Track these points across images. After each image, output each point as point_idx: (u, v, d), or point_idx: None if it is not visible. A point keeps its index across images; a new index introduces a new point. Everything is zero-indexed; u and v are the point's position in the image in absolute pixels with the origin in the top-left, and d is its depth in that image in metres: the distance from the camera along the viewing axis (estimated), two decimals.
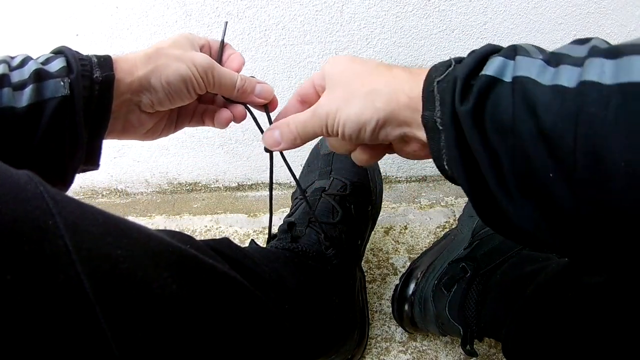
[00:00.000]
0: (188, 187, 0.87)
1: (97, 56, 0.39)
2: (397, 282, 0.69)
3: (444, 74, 0.30)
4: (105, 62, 0.39)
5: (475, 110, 0.27)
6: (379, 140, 0.36)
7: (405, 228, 0.77)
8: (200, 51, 0.45)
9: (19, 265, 0.21)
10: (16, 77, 0.35)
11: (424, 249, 0.67)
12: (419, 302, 0.58)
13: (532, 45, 0.29)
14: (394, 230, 0.76)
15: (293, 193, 0.65)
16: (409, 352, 0.62)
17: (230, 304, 0.33)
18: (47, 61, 0.38)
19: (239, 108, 0.47)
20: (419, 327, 0.59)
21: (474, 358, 0.57)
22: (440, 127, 0.30)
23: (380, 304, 0.67)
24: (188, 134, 0.80)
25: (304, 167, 0.65)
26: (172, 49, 0.42)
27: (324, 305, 0.50)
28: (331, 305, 0.51)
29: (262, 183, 0.86)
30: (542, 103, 0.25)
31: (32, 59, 0.38)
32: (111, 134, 0.42)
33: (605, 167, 0.23)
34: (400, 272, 0.70)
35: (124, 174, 0.86)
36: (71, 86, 0.36)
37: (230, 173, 0.85)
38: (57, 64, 0.37)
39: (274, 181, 0.51)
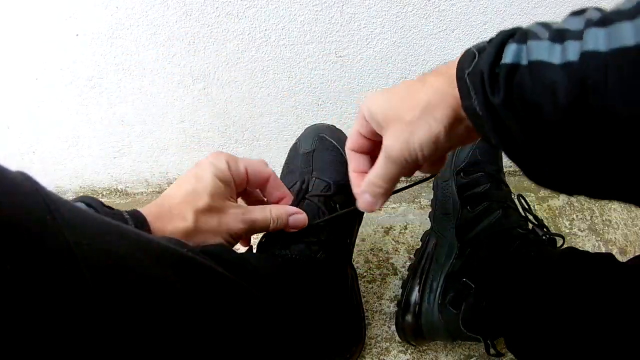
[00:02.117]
0: None
1: (132, 218, 0.37)
2: (397, 282, 0.69)
3: (472, 66, 0.33)
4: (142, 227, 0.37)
5: (506, 98, 0.30)
6: (453, 142, 0.38)
7: (405, 228, 0.77)
8: (239, 178, 0.46)
9: (20, 256, 0.20)
10: None
11: None
12: (425, 322, 0.57)
13: (537, 24, 0.33)
14: (394, 230, 0.76)
15: None
16: (409, 352, 0.62)
17: (231, 305, 0.33)
18: None
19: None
20: (425, 338, 0.59)
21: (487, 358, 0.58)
22: (480, 114, 0.32)
23: (380, 304, 0.67)
24: (188, 134, 0.80)
25: (283, 166, 0.62)
26: (209, 217, 0.41)
27: (321, 307, 0.50)
28: (327, 307, 0.51)
29: None
30: (557, 80, 0.28)
31: None
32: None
33: (617, 122, 0.27)
34: (400, 272, 0.70)
35: (124, 174, 0.86)
36: None
37: None
38: None
39: None
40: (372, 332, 0.64)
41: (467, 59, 0.35)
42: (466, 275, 0.55)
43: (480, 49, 0.34)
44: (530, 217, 0.59)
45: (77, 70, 0.71)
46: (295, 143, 0.62)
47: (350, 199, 0.60)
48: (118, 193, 0.87)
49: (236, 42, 0.69)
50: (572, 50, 0.28)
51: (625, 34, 0.26)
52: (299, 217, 0.49)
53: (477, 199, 0.60)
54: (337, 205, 0.56)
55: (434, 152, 0.37)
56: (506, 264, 0.53)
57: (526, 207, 0.61)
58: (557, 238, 0.56)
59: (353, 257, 0.62)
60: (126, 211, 0.38)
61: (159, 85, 0.73)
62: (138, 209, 0.39)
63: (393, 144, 0.38)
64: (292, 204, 0.52)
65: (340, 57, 0.71)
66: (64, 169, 0.84)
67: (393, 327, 0.64)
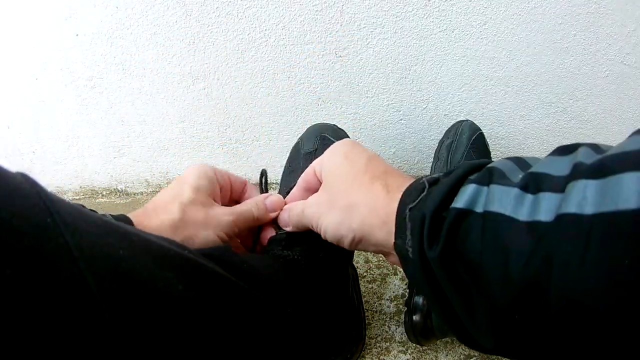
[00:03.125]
0: None
1: (114, 217, 0.37)
2: (397, 282, 0.69)
3: (416, 201, 0.28)
4: None
5: (443, 255, 0.25)
6: (359, 250, 0.37)
7: None
8: (221, 192, 0.47)
9: (18, 260, 0.20)
10: None
11: None
12: (435, 318, 0.57)
13: (511, 160, 0.26)
14: None
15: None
16: (409, 352, 0.62)
17: (232, 307, 0.33)
18: None
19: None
20: (436, 335, 0.59)
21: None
22: (411, 257, 0.27)
23: (380, 304, 0.67)
24: (188, 134, 0.80)
25: (285, 166, 0.62)
26: (195, 209, 0.41)
27: (321, 308, 0.50)
28: (327, 307, 0.51)
29: None
30: (515, 246, 0.22)
31: None
32: None
33: (583, 313, 0.20)
34: (400, 272, 0.70)
35: (124, 174, 0.86)
36: None
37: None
38: None
39: (268, 181, 0.54)
40: (372, 332, 0.64)
41: (414, 191, 0.29)
42: None
43: (433, 180, 0.28)
44: None
45: (77, 70, 0.71)
46: (297, 142, 0.62)
47: None
48: (118, 193, 0.87)
49: (236, 42, 0.69)
50: (545, 207, 0.21)
51: (626, 192, 0.18)
52: (274, 198, 0.49)
53: None
54: None
55: (337, 243, 0.37)
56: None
57: None
58: None
59: (353, 256, 0.62)
60: (111, 215, 0.38)
61: (159, 85, 0.73)
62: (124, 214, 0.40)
63: (310, 207, 0.39)
64: None
65: (340, 57, 0.71)
66: (64, 169, 0.84)
67: (393, 327, 0.64)
